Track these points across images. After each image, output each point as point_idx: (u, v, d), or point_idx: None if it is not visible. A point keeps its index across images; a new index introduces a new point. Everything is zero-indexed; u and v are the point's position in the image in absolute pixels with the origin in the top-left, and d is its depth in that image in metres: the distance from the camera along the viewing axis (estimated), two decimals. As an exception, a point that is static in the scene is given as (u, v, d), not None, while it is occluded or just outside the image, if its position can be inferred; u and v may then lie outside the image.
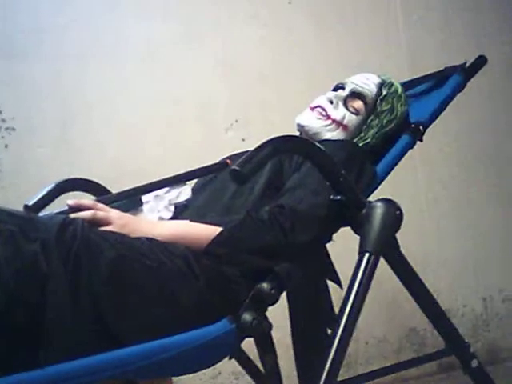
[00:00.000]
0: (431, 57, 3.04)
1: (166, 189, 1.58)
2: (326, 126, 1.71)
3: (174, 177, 1.62)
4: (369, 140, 1.72)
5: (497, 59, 2.93)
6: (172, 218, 1.54)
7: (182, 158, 2.52)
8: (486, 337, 3.13)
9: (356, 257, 1.36)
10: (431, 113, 1.74)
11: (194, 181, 1.77)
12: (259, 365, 1.61)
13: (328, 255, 1.50)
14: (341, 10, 3.06)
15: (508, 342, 3.15)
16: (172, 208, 1.53)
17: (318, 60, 2.94)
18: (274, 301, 1.27)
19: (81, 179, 1.72)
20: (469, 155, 3.19)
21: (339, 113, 1.73)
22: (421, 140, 1.71)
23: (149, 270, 1.22)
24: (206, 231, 1.37)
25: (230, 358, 1.50)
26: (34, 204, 1.58)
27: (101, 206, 1.37)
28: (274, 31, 2.89)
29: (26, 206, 1.58)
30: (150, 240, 1.34)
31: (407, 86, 1.97)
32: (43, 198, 1.60)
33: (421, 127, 1.68)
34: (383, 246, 1.35)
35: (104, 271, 1.15)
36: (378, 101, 1.73)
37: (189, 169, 1.73)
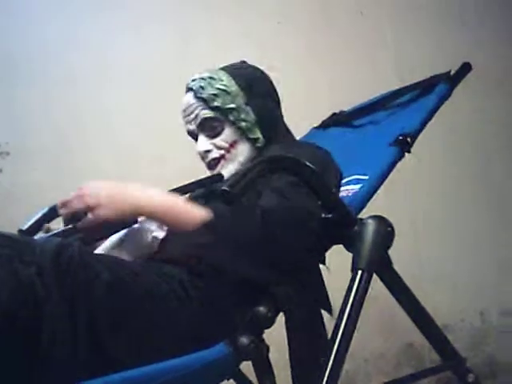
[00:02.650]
0: (420, 70, 3.06)
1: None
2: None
3: (169, 192, 1.61)
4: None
5: (485, 73, 2.95)
6: (166, 237, 1.53)
7: (180, 177, 2.52)
8: (485, 351, 3.12)
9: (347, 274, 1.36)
10: (418, 123, 1.73)
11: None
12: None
13: (323, 283, 1.49)
14: (329, 27, 3.09)
15: (506, 355, 3.14)
16: (165, 227, 1.53)
17: (311, 78, 2.96)
18: (271, 324, 1.27)
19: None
20: (459, 169, 3.20)
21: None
22: (409, 151, 1.70)
23: (145, 292, 1.22)
24: (193, 213, 1.36)
25: (229, 379, 1.50)
26: (29, 228, 1.57)
27: (85, 190, 1.37)
28: (265, 51, 2.90)
29: (20, 231, 1.57)
30: (147, 262, 1.35)
31: (393, 95, 1.98)
32: (37, 221, 1.60)
33: (408, 139, 1.68)
34: (376, 263, 1.35)
35: (100, 295, 1.15)
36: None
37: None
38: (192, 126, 1.70)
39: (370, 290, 1.35)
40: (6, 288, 1.04)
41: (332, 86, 2.99)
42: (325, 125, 2.16)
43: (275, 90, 1.76)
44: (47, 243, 1.18)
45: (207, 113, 1.66)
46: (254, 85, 1.70)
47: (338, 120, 2.12)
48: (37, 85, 2.59)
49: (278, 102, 1.76)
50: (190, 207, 1.39)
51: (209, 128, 1.68)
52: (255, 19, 2.95)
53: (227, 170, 1.65)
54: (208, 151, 1.68)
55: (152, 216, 1.40)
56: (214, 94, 1.65)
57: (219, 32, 2.87)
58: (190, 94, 1.69)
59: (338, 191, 1.56)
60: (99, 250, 1.44)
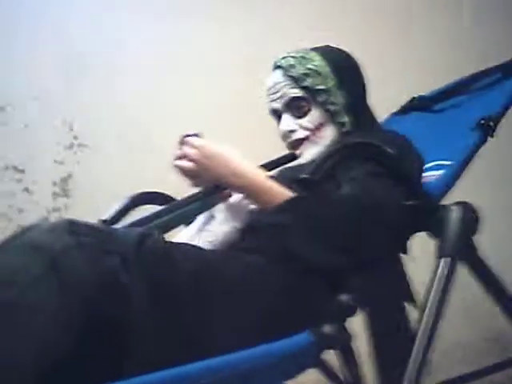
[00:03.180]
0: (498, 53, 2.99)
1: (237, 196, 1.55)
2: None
3: None
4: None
5: None
6: (246, 226, 1.52)
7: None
8: None
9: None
10: (500, 107, 1.68)
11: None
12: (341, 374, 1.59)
13: (404, 274, 1.46)
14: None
15: None
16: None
17: (386, 62, 2.91)
18: (354, 313, 1.26)
19: (154, 192, 1.74)
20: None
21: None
22: (492, 136, 1.65)
23: (225, 282, 1.22)
24: (279, 194, 1.36)
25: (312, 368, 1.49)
26: (110, 218, 1.60)
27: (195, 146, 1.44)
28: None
29: (102, 221, 1.60)
30: (227, 251, 1.35)
31: (474, 78, 1.93)
32: (118, 212, 1.63)
33: (491, 123, 1.63)
34: (462, 250, 1.32)
35: (182, 284, 1.16)
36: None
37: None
38: (277, 105, 1.65)
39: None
40: (92, 279, 1.05)
41: (408, 70, 2.95)
42: (404, 110, 2.12)
43: (363, 76, 1.72)
44: (129, 233, 1.19)
45: (296, 92, 1.62)
46: (345, 68, 1.66)
47: (417, 105, 2.08)
48: (108, 77, 2.63)
49: (365, 88, 1.72)
50: (276, 186, 1.39)
51: (295, 108, 1.63)
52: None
53: (310, 152, 1.61)
54: (292, 131, 1.64)
55: (240, 188, 1.42)
56: (305, 74, 1.61)
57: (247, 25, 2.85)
58: (279, 72, 1.65)
59: (421, 178, 1.53)
60: (180, 239, 1.45)
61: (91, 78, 2.63)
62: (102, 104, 2.63)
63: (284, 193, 1.37)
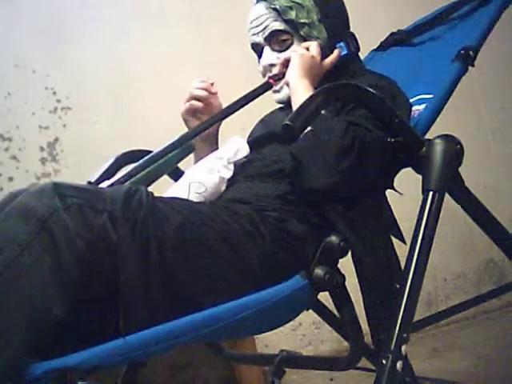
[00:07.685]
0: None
1: (223, 149, 1.56)
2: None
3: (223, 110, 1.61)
4: None
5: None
6: (233, 177, 1.52)
7: (240, 122, 2.52)
8: None
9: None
10: (479, 36, 1.66)
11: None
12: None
13: (391, 210, 1.46)
14: None
15: None
16: (231, 167, 1.52)
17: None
18: (344, 253, 1.26)
19: (139, 151, 1.73)
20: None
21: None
22: (472, 65, 1.64)
23: (215, 232, 1.23)
24: None
25: (308, 309, 1.51)
26: (97, 180, 1.60)
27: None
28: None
29: (89, 182, 1.60)
30: (214, 203, 1.35)
31: (452, 8, 1.90)
32: (105, 172, 1.62)
33: (471, 52, 1.61)
34: (446, 183, 1.32)
35: (171, 237, 1.17)
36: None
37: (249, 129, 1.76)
38: (258, 38, 1.61)
39: (447, 208, 1.32)
40: (82, 238, 1.07)
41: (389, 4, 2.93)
42: (384, 46, 2.09)
43: (347, 12, 1.68)
44: (116, 190, 1.20)
45: (278, 25, 1.57)
46: (329, 3, 1.62)
47: (397, 40, 2.05)
48: (88, 41, 2.61)
49: (348, 25, 1.69)
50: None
51: (277, 41, 1.60)
52: None
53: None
54: (273, 65, 1.61)
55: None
56: (289, 6, 1.56)
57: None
58: (262, 5, 1.60)
59: (409, 119, 1.50)
60: (170, 192, 1.45)
61: (71, 42, 2.60)
62: (83, 66, 2.61)
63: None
